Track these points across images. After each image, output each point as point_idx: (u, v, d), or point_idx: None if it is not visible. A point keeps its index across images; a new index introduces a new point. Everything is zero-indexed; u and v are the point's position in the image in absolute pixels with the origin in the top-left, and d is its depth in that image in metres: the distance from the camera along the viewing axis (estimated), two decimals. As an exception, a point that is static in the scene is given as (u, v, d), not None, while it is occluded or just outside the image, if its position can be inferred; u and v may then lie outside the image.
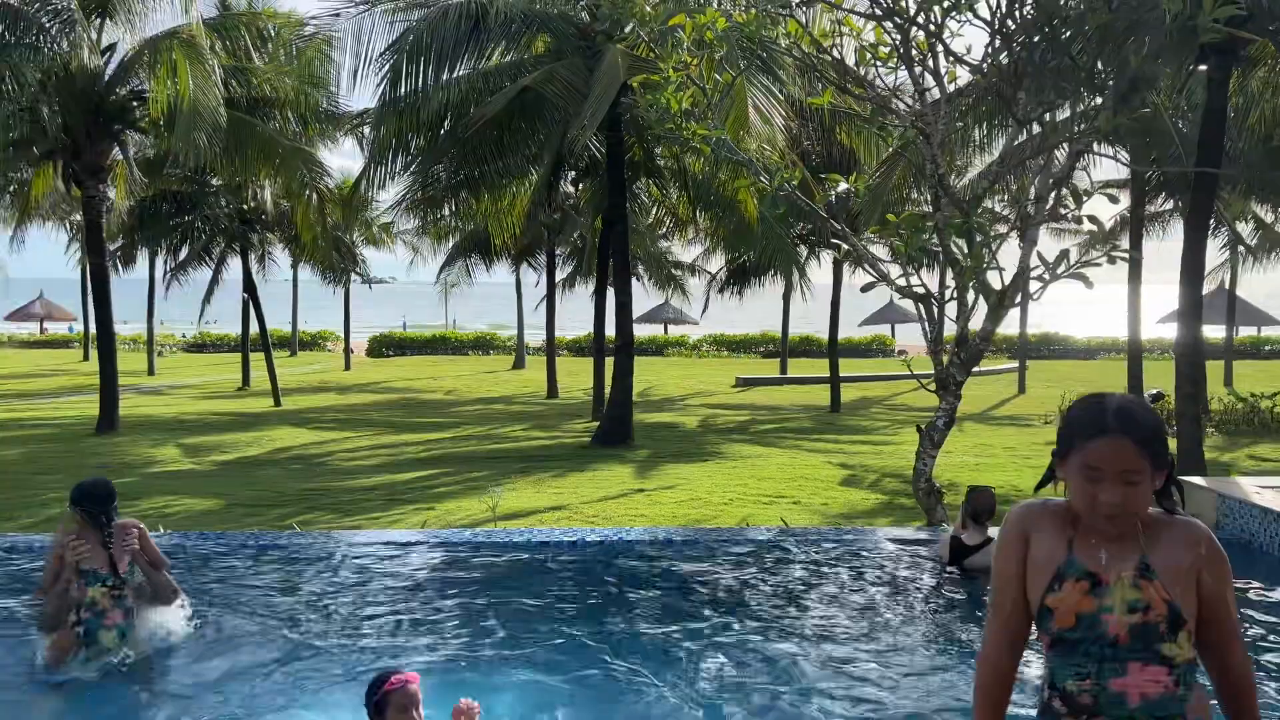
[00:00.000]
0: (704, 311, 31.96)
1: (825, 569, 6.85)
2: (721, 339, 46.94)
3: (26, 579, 6.55)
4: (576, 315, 37.91)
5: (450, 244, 31.41)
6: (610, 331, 18.84)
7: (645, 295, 34.05)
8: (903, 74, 8.21)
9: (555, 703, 4.65)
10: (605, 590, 6.48)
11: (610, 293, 20.34)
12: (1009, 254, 8.22)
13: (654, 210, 23.55)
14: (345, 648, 5.30)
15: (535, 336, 41.52)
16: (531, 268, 31.71)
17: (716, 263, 29.97)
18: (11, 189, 26.41)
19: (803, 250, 23.03)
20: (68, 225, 33.92)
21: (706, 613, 5.90)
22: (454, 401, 25.06)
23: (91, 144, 17.11)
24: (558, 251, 28.28)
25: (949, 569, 6.61)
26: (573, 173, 21.07)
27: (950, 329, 8.67)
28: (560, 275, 30.28)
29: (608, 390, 18.02)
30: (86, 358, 37.55)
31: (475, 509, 10.48)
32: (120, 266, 26.70)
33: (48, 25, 16.22)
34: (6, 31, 15.87)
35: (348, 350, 38.43)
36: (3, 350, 45.55)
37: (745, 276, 26.89)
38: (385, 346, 45.15)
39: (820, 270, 25.06)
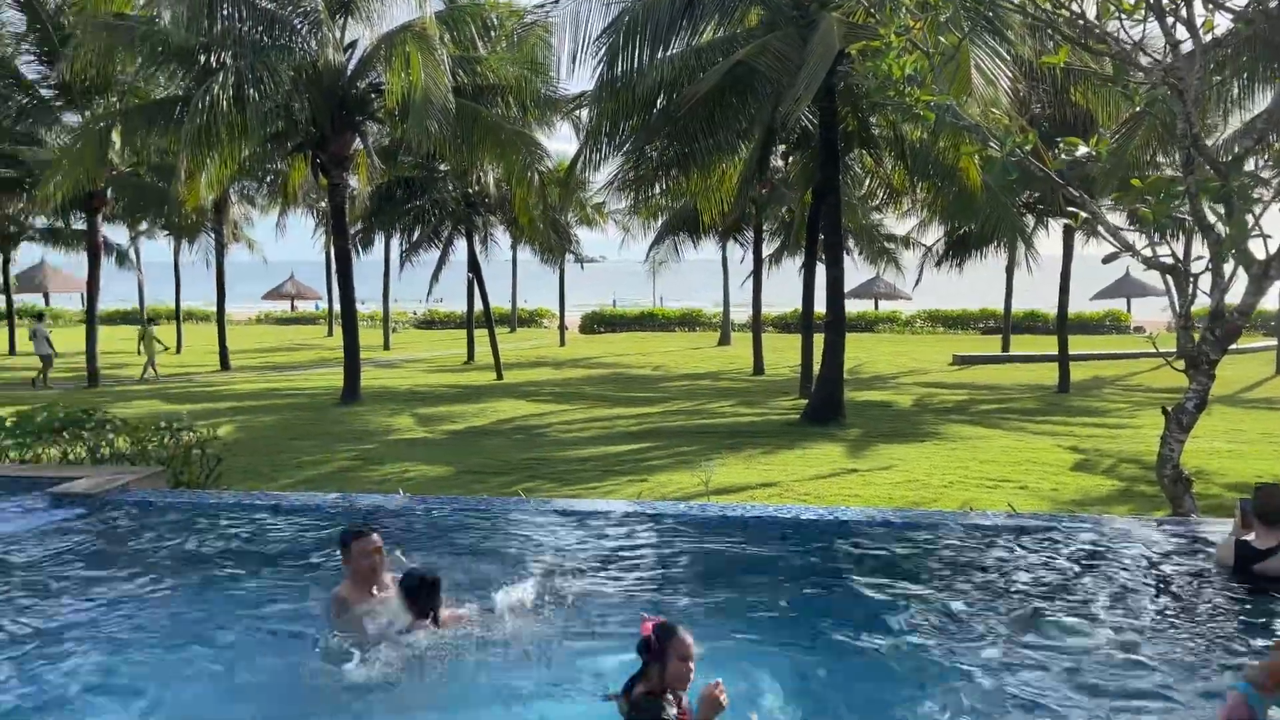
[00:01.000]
0: (916, 285, 30.82)
1: (1065, 561, 6.42)
2: (936, 314, 45.12)
3: (296, 538, 7.25)
4: (782, 291, 37.53)
5: (659, 222, 31.87)
6: (819, 307, 18.53)
7: (855, 269, 33.26)
8: (1150, 25, 7.52)
9: (773, 682, 4.64)
10: (821, 570, 6.40)
11: (819, 268, 20.01)
12: (1271, 221, 7.40)
13: (867, 182, 22.90)
14: (577, 613, 5.51)
15: (740, 313, 41.47)
16: (738, 243, 31.68)
17: (932, 235, 28.84)
18: (269, 179, 29.05)
19: (1029, 220, 21.73)
20: (315, 212, 36.96)
21: (928, 600, 5.71)
22: (662, 377, 25.47)
23: (336, 135, 18.54)
24: (765, 227, 28.07)
25: (1226, 574, 5.76)
26: (783, 146, 20.79)
27: (1201, 303, 7.91)
28: (767, 251, 30.08)
29: (816, 367, 17.76)
30: (330, 333, 40.92)
31: (687, 482, 10.63)
32: (360, 249, 28.82)
33: (298, 26, 17.66)
34: (264, 34, 17.42)
35: (562, 327, 39.84)
36: (260, 327, 50.37)
37: (965, 248, 25.69)
38: (597, 323, 46.46)
39: (1048, 240, 23.73)
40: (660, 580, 6.12)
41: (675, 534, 7.11)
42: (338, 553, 5.39)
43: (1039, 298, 39.88)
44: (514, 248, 37.37)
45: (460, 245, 27.16)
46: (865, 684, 4.68)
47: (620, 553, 6.69)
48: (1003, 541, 6.80)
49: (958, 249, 26.10)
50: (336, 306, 37.06)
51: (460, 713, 4.64)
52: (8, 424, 9.16)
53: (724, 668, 4.20)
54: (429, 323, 49.30)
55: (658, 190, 19.78)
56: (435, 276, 27.89)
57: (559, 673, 4.79)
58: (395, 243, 30.74)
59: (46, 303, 54.42)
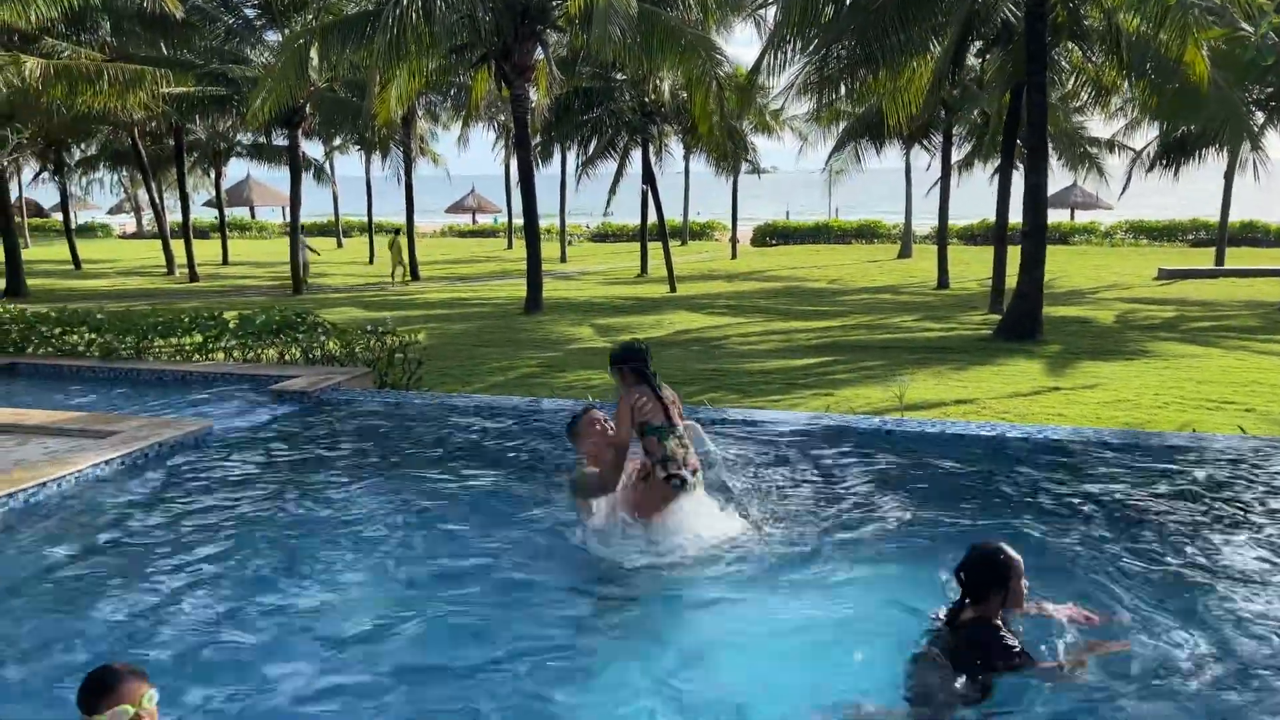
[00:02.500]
0: (1122, 194, 28.50)
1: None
2: (1139, 225, 41.79)
3: (505, 434, 7.50)
4: (967, 202, 35.61)
5: (840, 128, 30.69)
6: (1014, 217, 17.41)
7: (1050, 177, 31.04)
8: None
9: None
10: (1028, 490, 6.07)
11: (1016, 175, 18.80)
12: None
13: (1071, 80, 21.13)
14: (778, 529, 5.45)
15: (922, 225, 39.74)
16: (925, 149, 30.13)
17: (1141, 138, 26.50)
18: (454, 93, 29.67)
19: (1258, 118, 19.61)
20: (495, 125, 37.65)
21: (1147, 527, 5.32)
22: (839, 290, 24.80)
23: (518, 45, 18.62)
24: (955, 131, 26.53)
25: None
26: (979, 43, 19.43)
27: None
28: (956, 157, 28.47)
29: (1009, 281, 16.79)
30: (510, 246, 41.99)
31: (875, 397, 10.32)
32: (539, 162, 29.19)
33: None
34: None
35: (734, 239, 39.36)
36: (444, 239, 52.30)
37: (1182, 151, 23.47)
38: (769, 235, 45.66)
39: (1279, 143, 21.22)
40: (863, 497, 5.95)
41: (871, 449, 6.91)
42: (562, 446, 5.50)
43: (1259, 207, 36.31)
44: (687, 158, 36.98)
45: (635, 157, 27.09)
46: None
47: (814, 468, 6.56)
48: (1236, 465, 6.25)
49: (1173, 152, 23.88)
50: (516, 220, 37.98)
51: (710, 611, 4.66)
52: (231, 325, 9.84)
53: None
54: (603, 236, 49.80)
55: (841, 93, 18.91)
56: (613, 189, 27.99)
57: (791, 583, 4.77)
58: (572, 156, 30.97)
59: (252, 215, 58.37)
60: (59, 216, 46.76)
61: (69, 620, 4.45)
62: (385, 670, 3.98)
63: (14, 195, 38.89)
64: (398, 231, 29.89)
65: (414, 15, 16.83)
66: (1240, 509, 5.53)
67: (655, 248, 28.05)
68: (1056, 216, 41.73)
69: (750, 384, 11.51)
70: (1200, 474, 6.16)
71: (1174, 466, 6.31)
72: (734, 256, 37.05)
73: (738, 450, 6.77)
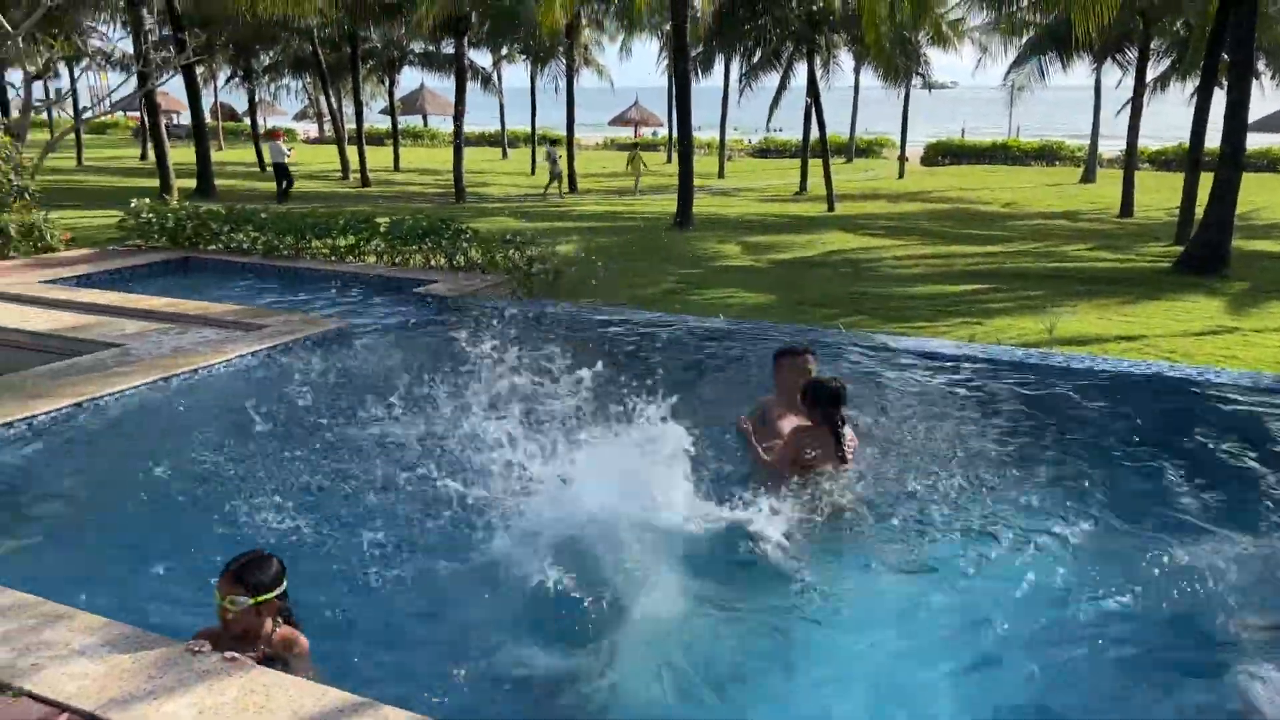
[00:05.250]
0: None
1: None
2: (1367, 154, 37.42)
3: (624, 346, 7.50)
4: (1161, 124, 32.69)
5: (1023, 41, 28.59)
6: (1211, 142, 15.84)
7: (1261, 98, 28.10)
8: None
9: (1104, 555, 4.14)
10: (1186, 436, 5.60)
11: (1217, 94, 17.06)
12: None
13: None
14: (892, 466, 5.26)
15: (1108, 148, 36.87)
16: (1117, 65, 27.70)
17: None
18: (618, 1, 29.34)
19: None
20: (660, 34, 37.06)
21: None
22: (1011, 214, 23.41)
23: (681, -52, 18.10)
24: (1152, 45, 24.24)
25: None
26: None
27: None
28: (1151, 74, 26.08)
29: (1199, 212, 15.40)
30: (670, 160, 41.66)
31: (1029, 329, 9.75)
32: (700, 72, 28.60)
33: None
34: None
35: (902, 158, 37.68)
36: (605, 152, 52.43)
37: None
38: (941, 154, 43.48)
39: None
40: (995, 434, 5.64)
41: (1011, 383, 6.54)
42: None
43: None
44: (856, 71, 35.46)
45: (800, 70, 26.12)
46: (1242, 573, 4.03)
47: (947, 399, 6.26)
48: None
49: None
50: (675, 133, 37.58)
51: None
52: (381, 229, 10.20)
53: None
54: (764, 151, 48.69)
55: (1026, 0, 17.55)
56: (775, 103, 27.18)
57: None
58: (734, 67, 30.20)
59: (424, 123, 60.05)
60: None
61: (199, 496, 4.79)
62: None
63: (209, 100, 41.40)
64: (635, 146, 30.15)
65: (575, -81, 16.59)
66: None
67: (816, 165, 27.21)
68: (1266, 141, 37.92)
69: (896, 309, 11.09)
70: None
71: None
72: (901, 176, 35.54)
73: (865, 378, 6.54)
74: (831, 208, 23.59)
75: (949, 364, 6.91)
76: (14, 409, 5.30)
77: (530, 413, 5.11)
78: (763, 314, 10.35)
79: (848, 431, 4.84)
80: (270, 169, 26.24)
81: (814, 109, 26.09)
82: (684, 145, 19.56)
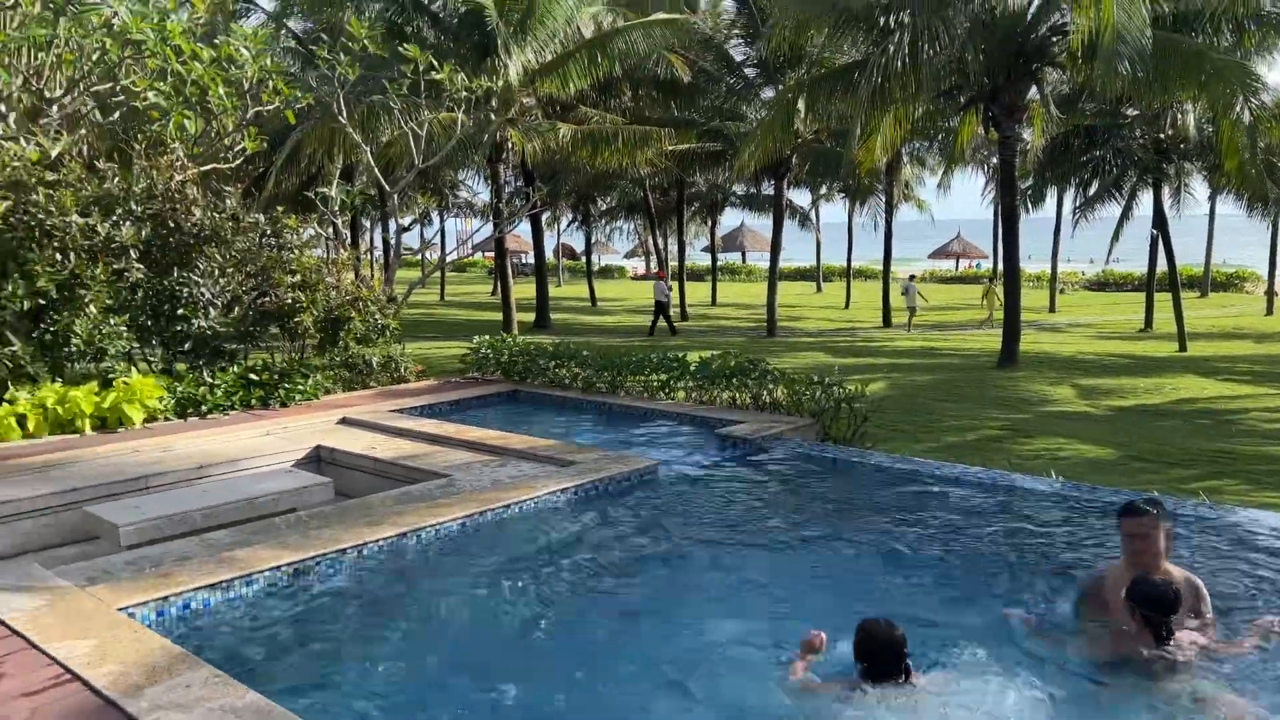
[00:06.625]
0: None
1: None
2: None
3: (939, 506, 6.95)
4: None
5: None
6: None
7: None
8: None
9: None
10: None
11: None
12: None
13: None
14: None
15: None
16: None
17: None
18: (939, 138, 29.10)
19: None
20: (985, 167, 36.13)
21: None
22: None
23: (1009, 86, 17.59)
24: None
25: None
26: None
27: None
28: None
29: None
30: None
31: None
32: (1030, 205, 27.38)
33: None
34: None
35: (1271, 292, 33.37)
36: (925, 285, 51.27)
37: None
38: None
39: None
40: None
41: None
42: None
43: None
44: (1212, 199, 32.23)
45: (1145, 199, 24.19)
46: None
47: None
48: None
49: None
50: (1000, 265, 35.99)
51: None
52: (691, 368, 10.39)
53: None
54: (1102, 284, 45.27)
55: None
56: (1116, 235, 25.33)
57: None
58: (1069, 197, 28.58)
59: (743, 260, 62.23)
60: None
61: (491, 634, 4.89)
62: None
63: (552, 241, 45.57)
64: (990, 279, 30.90)
65: (900, 63, 16.69)
66: None
67: (1163, 299, 24.75)
68: None
69: (1269, 472, 9.50)
70: None
71: None
72: (1270, 312, 31.49)
73: (1227, 567, 5.52)
74: (1183, 348, 21.23)
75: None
76: (363, 534, 5.84)
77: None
78: (1099, 472, 9.25)
79: (1184, 636, 4.06)
80: (596, 303, 28.21)
81: (1161, 239, 23.93)
82: (1010, 279, 18.57)
